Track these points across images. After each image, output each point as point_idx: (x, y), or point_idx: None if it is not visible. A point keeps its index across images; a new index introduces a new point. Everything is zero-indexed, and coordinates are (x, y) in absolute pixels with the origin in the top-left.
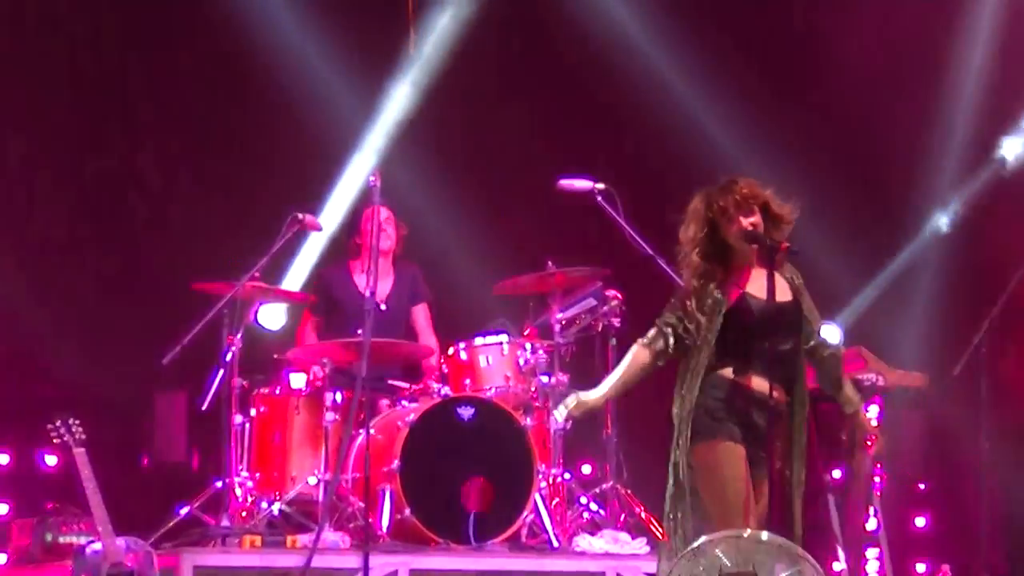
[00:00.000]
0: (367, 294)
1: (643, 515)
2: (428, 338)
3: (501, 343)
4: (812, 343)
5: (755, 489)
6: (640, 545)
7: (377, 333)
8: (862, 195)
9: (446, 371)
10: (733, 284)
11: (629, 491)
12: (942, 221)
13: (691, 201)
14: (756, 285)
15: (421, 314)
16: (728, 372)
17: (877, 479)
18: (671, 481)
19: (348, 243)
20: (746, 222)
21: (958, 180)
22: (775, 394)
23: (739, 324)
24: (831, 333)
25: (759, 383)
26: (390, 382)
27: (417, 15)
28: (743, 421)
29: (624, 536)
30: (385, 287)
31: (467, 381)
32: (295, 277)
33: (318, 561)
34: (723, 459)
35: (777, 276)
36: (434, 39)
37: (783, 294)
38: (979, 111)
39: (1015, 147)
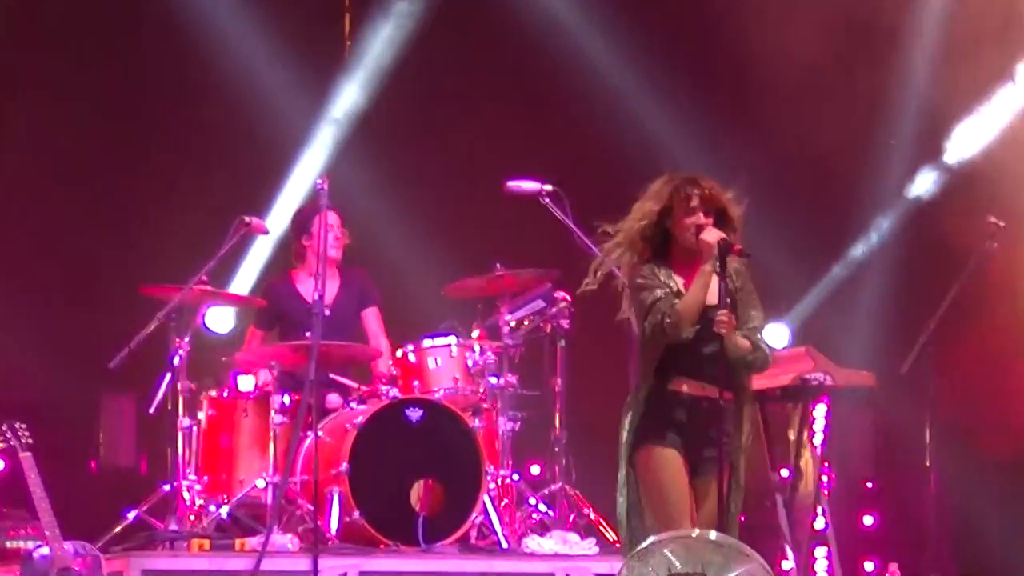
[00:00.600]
0: (316, 297)
1: (592, 516)
2: (379, 341)
3: (450, 345)
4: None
5: (701, 490)
6: (589, 545)
7: (323, 338)
8: (809, 195)
9: (395, 373)
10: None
11: (578, 492)
12: (888, 218)
13: (657, 180)
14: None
15: (371, 318)
16: (670, 375)
17: (825, 478)
18: (620, 485)
19: (294, 247)
20: (703, 220)
21: (904, 180)
22: (717, 395)
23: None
24: (779, 333)
25: (699, 387)
26: (337, 379)
27: (356, 21)
28: (684, 425)
29: (573, 537)
30: (331, 292)
31: (416, 383)
32: (243, 280)
33: (267, 564)
34: (663, 465)
35: (715, 278)
36: (380, 42)
37: (714, 297)
38: (923, 111)
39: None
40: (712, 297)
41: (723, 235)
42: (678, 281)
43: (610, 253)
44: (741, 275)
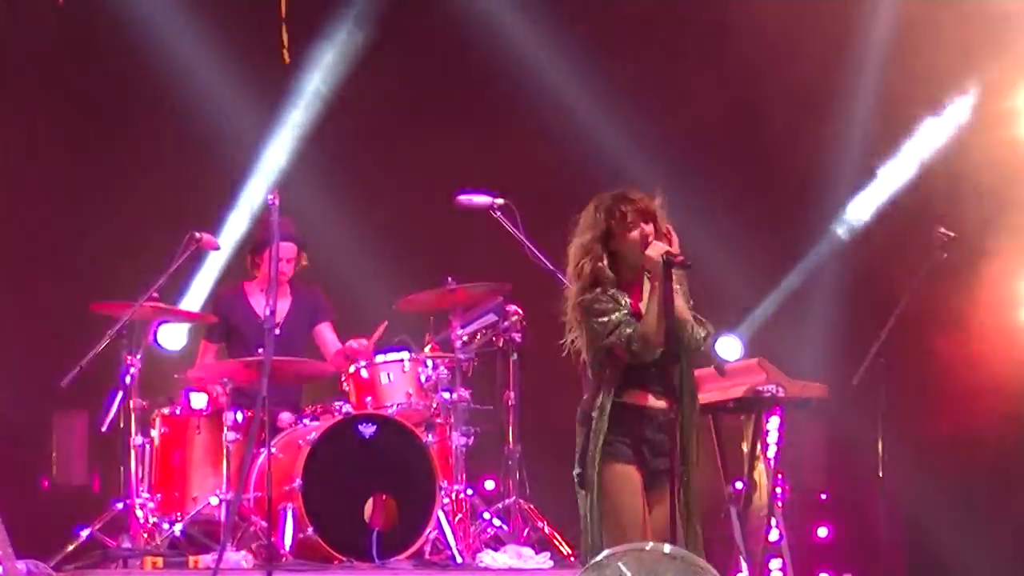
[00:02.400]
0: (267, 313)
1: (546, 530)
2: (334, 353)
3: (402, 360)
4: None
5: (656, 502)
6: (543, 560)
7: (275, 354)
8: (760, 206)
9: (348, 388)
10: (631, 299)
11: (532, 506)
12: (838, 231)
13: (585, 210)
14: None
15: (326, 332)
16: (623, 390)
17: (779, 490)
18: (580, 500)
19: (247, 260)
20: (649, 230)
21: (853, 190)
22: (667, 408)
23: None
24: (732, 345)
25: (650, 400)
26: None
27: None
28: (638, 440)
29: (528, 551)
30: (282, 309)
31: (368, 398)
32: (194, 297)
33: None
34: (617, 483)
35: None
36: (326, 59)
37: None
38: (873, 123)
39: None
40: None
41: (667, 248)
42: (627, 301)
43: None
44: (683, 283)
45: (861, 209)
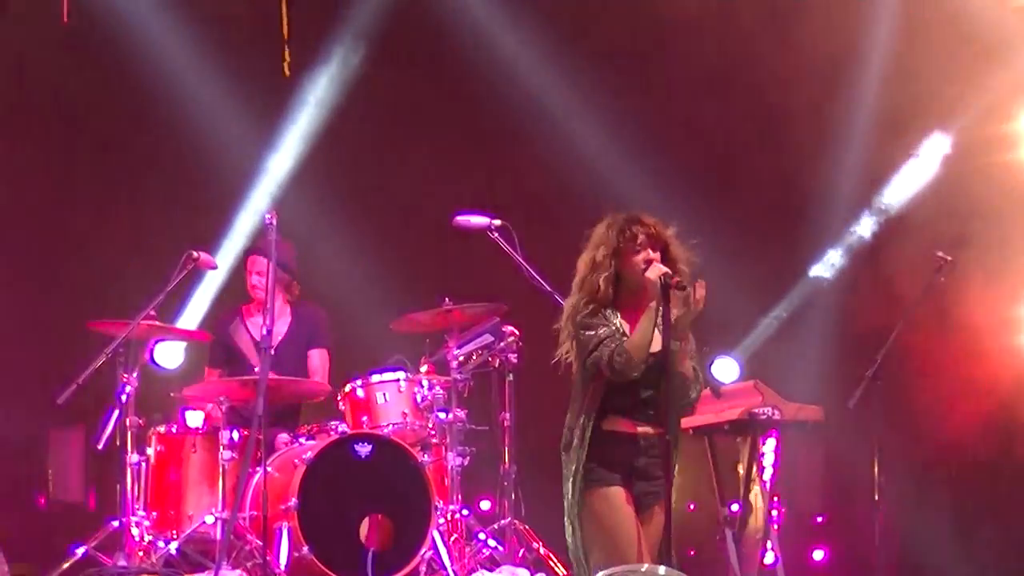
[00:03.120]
0: (264, 332)
1: (542, 550)
2: (320, 380)
3: (398, 380)
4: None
5: (647, 523)
6: None
7: (270, 373)
8: (758, 229)
9: (343, 408)
10: (627, 322)
11: (527, 526)
12: (823, 270)
13: (597, 226)
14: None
15: (316, 358)
16: (607, 414)
17: (774, 512)
18: (567, 522)
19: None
20: (652, 255)
21: (850, 216)
22: (654, 432)
23: None
24: (728, 367)
25: (636, 425)
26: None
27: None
28: (623, 465)
29: (523, 572)
30: (280, 329)
31: (364, 418)
32: (191, 315)
33: None
34: (609, 506)
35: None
36: (323, 81)
37: (658, 343)
38: (872, 142)
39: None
40: (656, 337)
41: (666, 270)
42: (624, 324)
43: (569, 309)
44: (690, 340)
45: (860, 231)
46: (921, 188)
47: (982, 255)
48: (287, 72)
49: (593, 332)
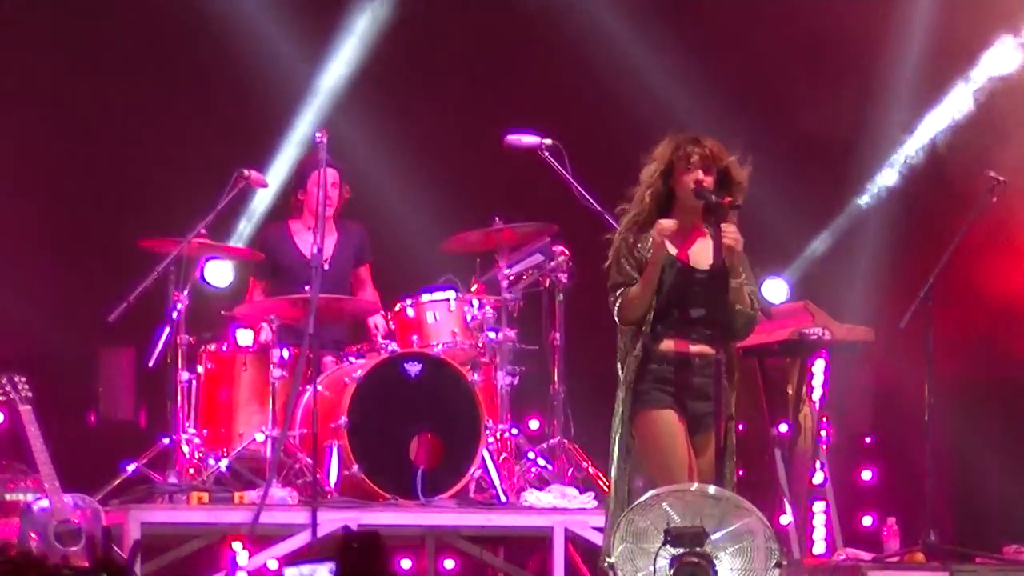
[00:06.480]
0: (315, 251)
1: (591, 470)
2: (370, 295)
3: (448, 299)
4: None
5: (698, 447)
6: (588, 499)
7: (320, 291)
8: (808, 148)
9: (393, 327)
10: (679, 244)
11: (576, 446)
12: (888, 177)
13: (661, 142)
14: (700, 250)
15: (364, 274)
16: (662, 337)
17: (823, 433)
18: (615, 445)
19: (291, 199)
20: (702, 177)
21: (903, 133)
22: (708, 352)
23: (679, 286)
24: (778, 288)
25: (690, 345)
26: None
27: None
28: (680, 385)
29: (572, 491)
30: (328, 246)
31: (414, 337)
32: (241, 233)
33: (266, 517)
34: (662, 428)
35: (711, 239)
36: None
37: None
38: (924, 63)
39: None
40: (707, 257)
41: (675, 223)
42: (671, 247)
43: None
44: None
45: (910, 152)
46: (974, 102)
47: None
48: None
49: (612, 281)
